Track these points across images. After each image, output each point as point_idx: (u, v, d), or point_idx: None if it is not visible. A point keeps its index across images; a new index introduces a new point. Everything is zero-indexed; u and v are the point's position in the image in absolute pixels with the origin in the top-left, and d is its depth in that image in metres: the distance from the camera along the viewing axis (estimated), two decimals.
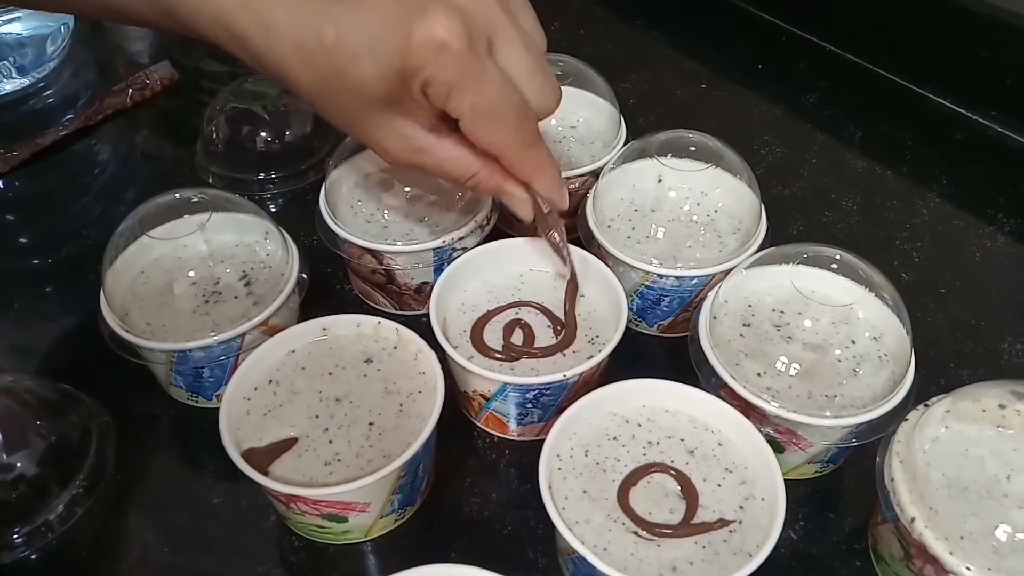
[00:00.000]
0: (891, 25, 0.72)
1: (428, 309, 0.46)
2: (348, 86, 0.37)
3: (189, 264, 0.48)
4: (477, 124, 0.38)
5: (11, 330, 0.54)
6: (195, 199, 0.48)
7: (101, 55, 0.81)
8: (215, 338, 0.44)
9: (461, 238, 0.50)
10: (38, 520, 0.43)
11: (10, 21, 0.72)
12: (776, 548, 0.36)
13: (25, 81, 0.73)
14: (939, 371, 0.49)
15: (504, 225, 0.55)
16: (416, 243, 0.49)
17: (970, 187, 0.64)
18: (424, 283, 0.52)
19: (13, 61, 0.73)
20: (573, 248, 0.48)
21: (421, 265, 0.51)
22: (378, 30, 0.36)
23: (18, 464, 0.43)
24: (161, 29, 0.42)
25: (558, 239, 0.46)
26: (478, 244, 0.51)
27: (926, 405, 0.41)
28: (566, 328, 0.47)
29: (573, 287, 0.48)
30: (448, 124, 0.40)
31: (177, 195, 0.48)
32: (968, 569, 0.34)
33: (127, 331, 0.45)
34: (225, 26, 0.37)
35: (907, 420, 0.40)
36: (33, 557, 0.43)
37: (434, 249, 0.50)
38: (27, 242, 0.62)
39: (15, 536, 0.42)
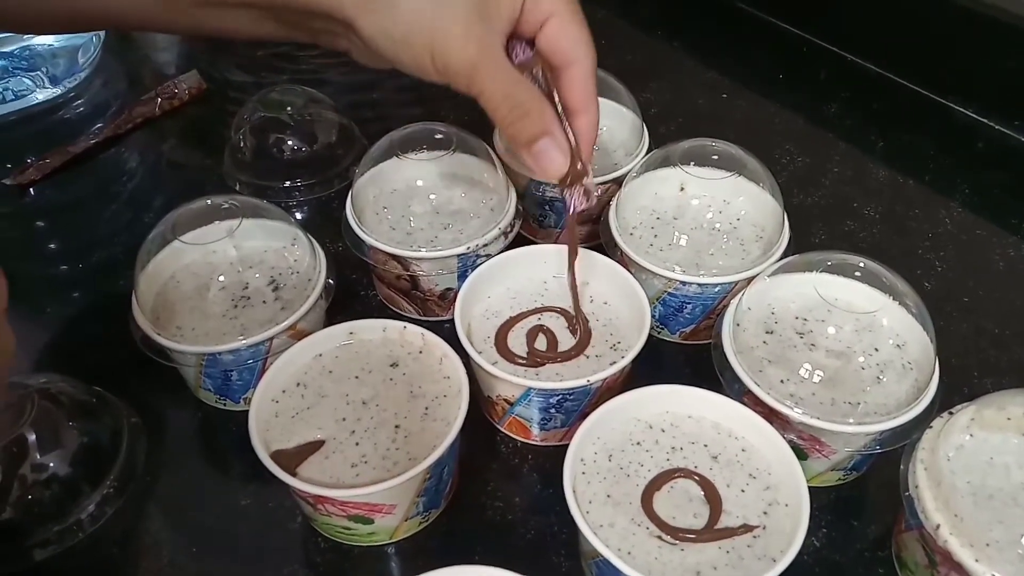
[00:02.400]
0: (912, 35, 0.72)
1: (451, 315, 0.47)
2: None
3: (219, 269, 0.49)
4: (572, 15, 0.41)
5: (44, 333, 0.55)
6: (226, 205, 0.49)
7: (131, 65, 0.82)
8: (244, 342, 0.45)
9: (485, 245, 0.51)
10: (70, 519, 0.44)
11: (34, 35, 0.74)
12: (799, 555, 0.36)
13: (57, 91, 0.75)
14: (963, 380, 0.49)
15: (527, 232, 0.56)
16: (440, 249, 0.50)
17: (993, 196, 0.64)
18: (448, 289, 0.53)
19: (46, 71, 0.74)
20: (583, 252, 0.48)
21: (445, 271, 0.51)
22: None
23: (51, 464, 0.44)
24: (235, 21, 0.42)
25: (585, 188, 0.45)
26: (502, 251, 0.51)
27: (950, 413, 0.40)
28: (580, 327, 0.47)
29: (572, 280, 0.48)
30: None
31: (208, 201, 0.49)
32: None
33: (158, 334, 0.46)
34: None
35: (931, 428, 0.40)
36: (64, 555, 0.43)
37: (458, 256, 0.50)
38: (59, 247, 0.63)
39: (47, 534, 0.43)
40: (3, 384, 0.30)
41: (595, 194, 0.45)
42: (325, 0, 0.39)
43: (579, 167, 0.43)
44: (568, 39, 0.41)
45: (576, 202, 0.45)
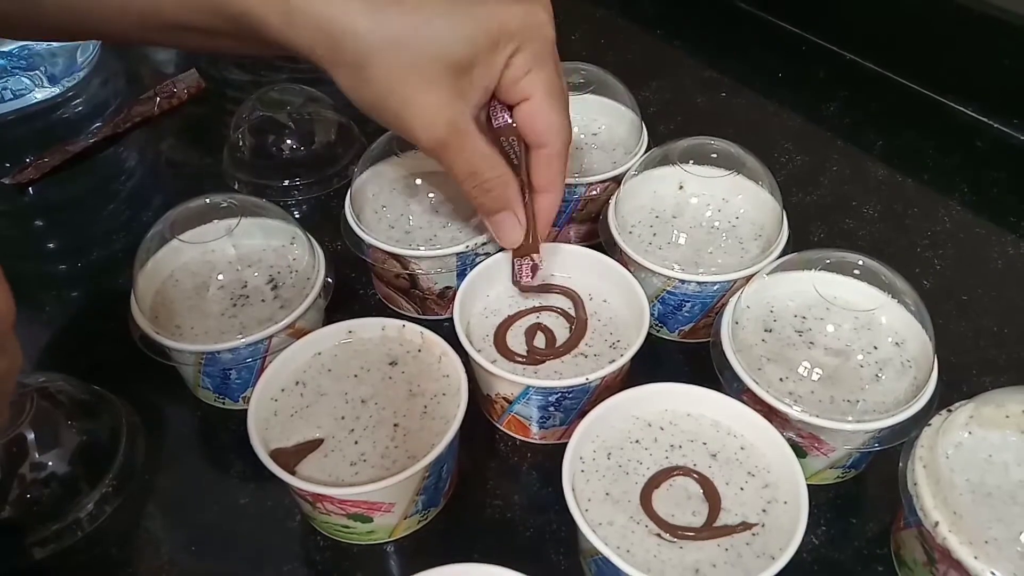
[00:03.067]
0: (911, 33, 0.72)
1: (450, 314, 0.47)
2: (424, 42, 0.37)
3: (218, 268, 0.49)
4: (548, 99, 0.41)
5: (42, 332, 0.55)
6: (224, 204, 0.49)
7: (129, 65, 0.82)
8: (243, 340, 0.45)
9: (483, 244, 0.51)
10: (68, 518, 0.44)
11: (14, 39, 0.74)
12: (798, 553, 0.36)
13: (56, 90, 0.75)
14: (962, 378, 0.49)
15: None
16: (439, 248, 0.50)
17: (992, 195, 0.64)
18: (447, 288, 0.53)
19: (44, 70, 0.74)
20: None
21: (444, 270, 0.51)
22: None
23: (50, 463, 0.44)
24: (211, 41, 0.41)
25: (533, 264, 0.47)
26: (500, 250, 0.51)
27: (949, 410, 0.41)
28: (576, 319, 0.48)
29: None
30: (481, 126, 0.41)
31: (207, 200, 0.49)
32: (993, 574, 0.34)
33: (157, 333, 0.46)
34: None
35: (930, 425, 0.40)
36: (63, 554, 0.43)
37: (457, 254, 0.50)
38: (57, 246, 0.63)
39: (46, 533, 0.43)
40: (8, 398, 0.30)
41: (540, 271, 0.48)
42: (301, 45, 0.38)
43: (531, 241, 0.46)
44: (541, 124, 0.41)
45: (524, 273, 0.48)
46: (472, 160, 0.41)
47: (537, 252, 0.47)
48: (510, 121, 0.42)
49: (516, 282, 0.49)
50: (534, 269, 0.47)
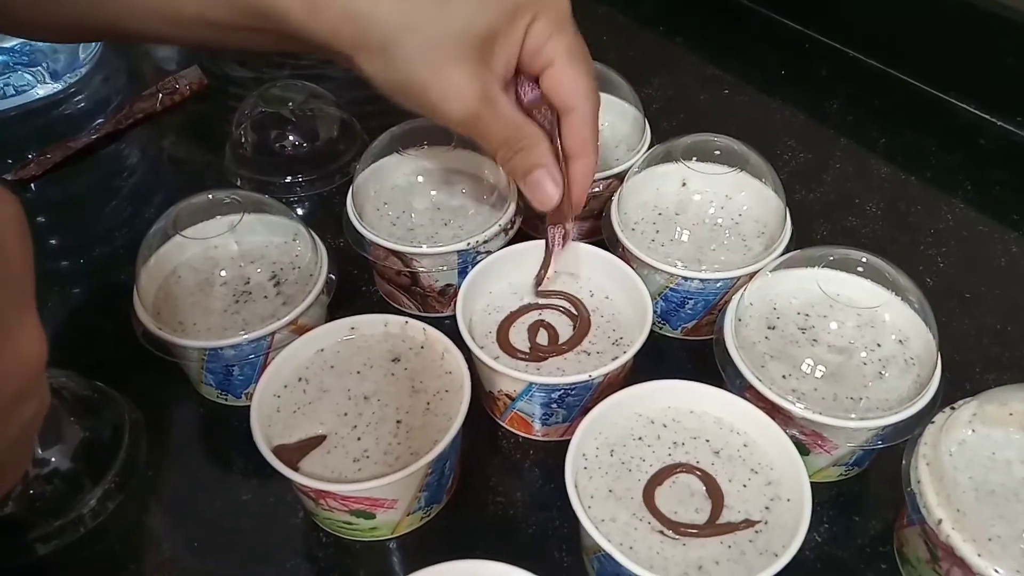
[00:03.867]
0: (914, 31, 0.72)
1: (451, 311, 0.47)
2: (445, 19, 0.38)
3: (220, 264, 0.49)
4: (571, 62, 0.40)
5: (45, 328, 0.54)
6: (227, 200, 0.49)
7: (131, 61, 0.82)
8: (245, 336, 0.45)
9: (485, 241, 0.51)
10: (71, 514, 0.44)
11: (32, 40, 0.74)
12: (801, 550, 0.36)
13: (58, 86, 0.75)
14: (965, 376, 0.49)
15: (528, 228, 0.56)
16: (441, 245, 0.50)
17: (995, 193, 0.63)
18: (448, 285, 0.53)
19: (47, 67, 0.74)
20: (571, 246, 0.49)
21: (445, 267, 0.51)
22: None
23: (52, 459, 0.44)
24: (232, 36, 0.42)
25: (565, 231, 0.47)
26: (502, 247, 0.51)
27: (952, 408, 0.40)
28: (579, 317, 0.48)
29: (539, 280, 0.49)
30: (509, 93, 0.42)
31: (210, 196, 0.49)
32: (996, 572, 0.34)
33: (160, 329, 0.46)
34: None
35: (933, 423, 0.40)
36: (66, 550, 0.43)
37: (458, 252, 0.50)
38: (60, 243, 0.63)
39: (49, 529, 0.43)
40: (34, 441, 0.30)
41: (571, 239, 0.47)
42: (323, 34, 0.38)
43: (566, 208, 0.45)
44: (566, 87, 0.41)
45: (556, 241, 0.47)
46: (507, 127, 0.41)
47: (571, 219, 0.46)
48: (539, 92, 0.43)
49: (551, 249, 0.48)
50: (565, 237, 0.47)
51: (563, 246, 0.48)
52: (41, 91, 0.74)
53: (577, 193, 0.45)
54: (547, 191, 0.44)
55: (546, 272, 0.49)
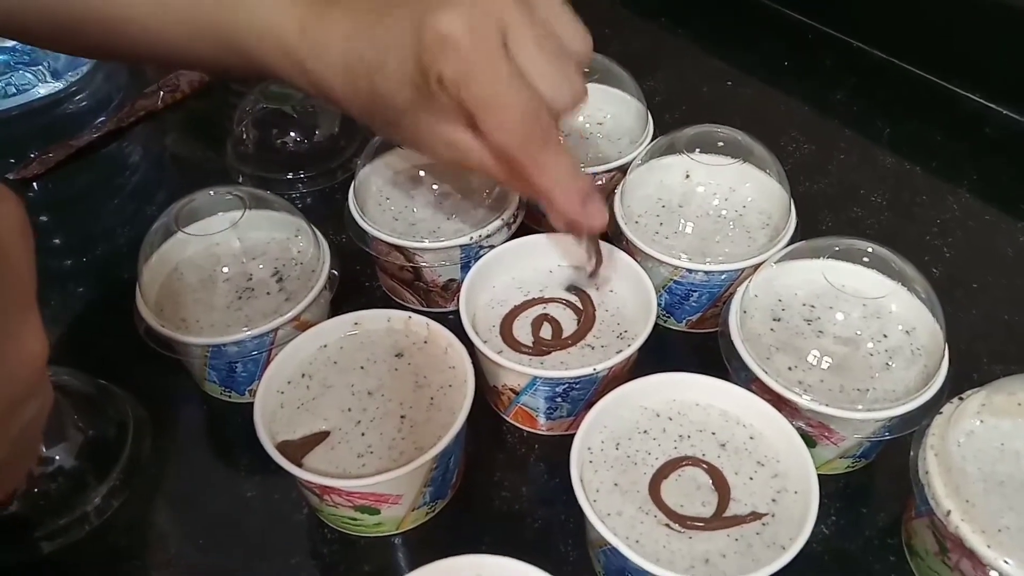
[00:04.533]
0: (918, 21, 0.71)
1: (454, 306, 0.47)
2: (383, 97, 0.39)
3: (223, 260, 0.49)
4: (486, 116, 0.37)
5: (48, 327, 0.53)
6: (229, 197, 0.49)
7: None
8: (248, 333, 0.45)
9: (488, 235, 0.50)
10: (76, 512, 0.44)
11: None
12: (808, 543, 0.35)
13: (59, 85, 0.75)
14: (972, 366, 0.49)
15: (531, 222, 0.56)
16: (443, 240, 0.50)
17: (1001, 182, 0.63)
18: (451, 280, 0.52)
19: (48, 65, 0.74)
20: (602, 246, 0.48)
21: (448, 262, 0.51)
22: (396, 36, 0.37)
23: (57, 457, 0.44)
24: (220, 69, 0.45)
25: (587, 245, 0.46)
26: (505, 241, 0.51)
27: (960, 399, 0.40)
28: (584, 312, 0.47)
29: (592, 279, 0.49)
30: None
31: (212, 192, 0.49)
32: (1006, 563, 0.34)
33: (163, 326, 0.46)
34: (285, 52, 0.40)
35: (941, 413, 0.40)
36: (71, 547, 0.43)
37: (461, 246, 0.50)
38: (62, 241, 0.63)
39: (54, 527, 0.43)
40: (40, 440, 0.30)
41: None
42: (348, 105, 0.41)
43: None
44: (491, 137, 0.38)
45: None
46: (486, 165, 0.40)
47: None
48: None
49: (593, 274, 0.47)
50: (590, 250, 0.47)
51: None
52: (43, 90, 0.74)
53: (577, 219, 0.42)
54: (602, 215, 0.42)
55: (599, 259, 0.47)
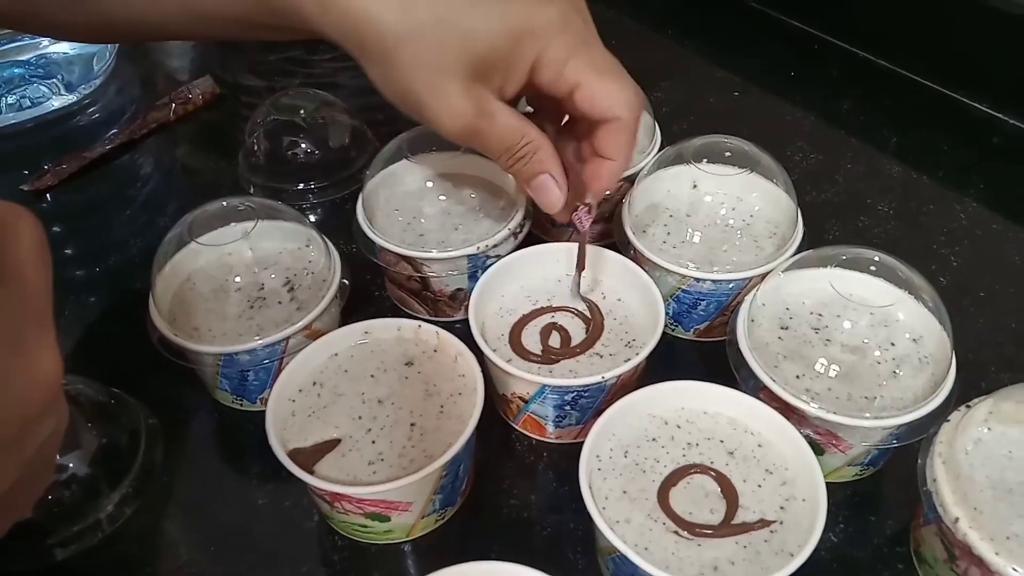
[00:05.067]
0: (924, 30, 0.72)
1: (462, 315, 0.47)
2: (448, 33, 0.38)
3: (235, 270, 0.50)
4: (602, 79, 0.40)
5: (62, 336, 0.54)
6: (241, 207, 0.49)
7: (144, 72, 0.83)
8: (260, 342, 0.46)
9: (495, 245, 0.51)
10: (89, 519, 0.44)
11: (58, 40, 0.75)
12: (816, 551, 0.36)
13: (72, 97, 0.76)
14: (980, 375, 0.49)
15: (540, 232, 0.56)
16: (451, 250, 0.50)
17: (1008, 191, 0.63)
18: (458, 290, 0.53)
19: (61, 78, 0.75)
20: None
21: (456, 272, 0.51)
22: None
23: (70, 464, 0.44)
24: (251, 31, 0.43)
25: (589, 207, 0.46)
26: (512, 251, 0.51)
27: (968, 406, 0.40)
28: (594, 319, 0.48)
29: (577, 289, 0.49)
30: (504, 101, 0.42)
31: (224, 203, 0.50)
32: (1015, 570, 0.34)
33: (175, 335, 0.46)
34: None
35: (949, 421, 0.40)
36: (84, 554, 0.44)
37: (468, 256, 0.50)
38: (76, 251, 0.63)
39: (67, 534, 0.43)
40: (55, 458, 0.30)
41: (595, 205, 0.47)
42: (333, 36, 0.39)
43: (572, 200, 0.45)
44: (603, 103, 0.41)
45: (583, 220, 0.46)
46: (504, 137, 0.42)
47: (587, 205, 0.46)
48: (587, 225, 0.46)
49: (583, 232, 0.47)
50: (590, 209, 0.46)
51: (592, 214, 0.46)
52: (56, 103, 0.75)
53: (596, 187, 0.45)
54: (552, 194, 0.44)
55: (583, 267, 0.48)
